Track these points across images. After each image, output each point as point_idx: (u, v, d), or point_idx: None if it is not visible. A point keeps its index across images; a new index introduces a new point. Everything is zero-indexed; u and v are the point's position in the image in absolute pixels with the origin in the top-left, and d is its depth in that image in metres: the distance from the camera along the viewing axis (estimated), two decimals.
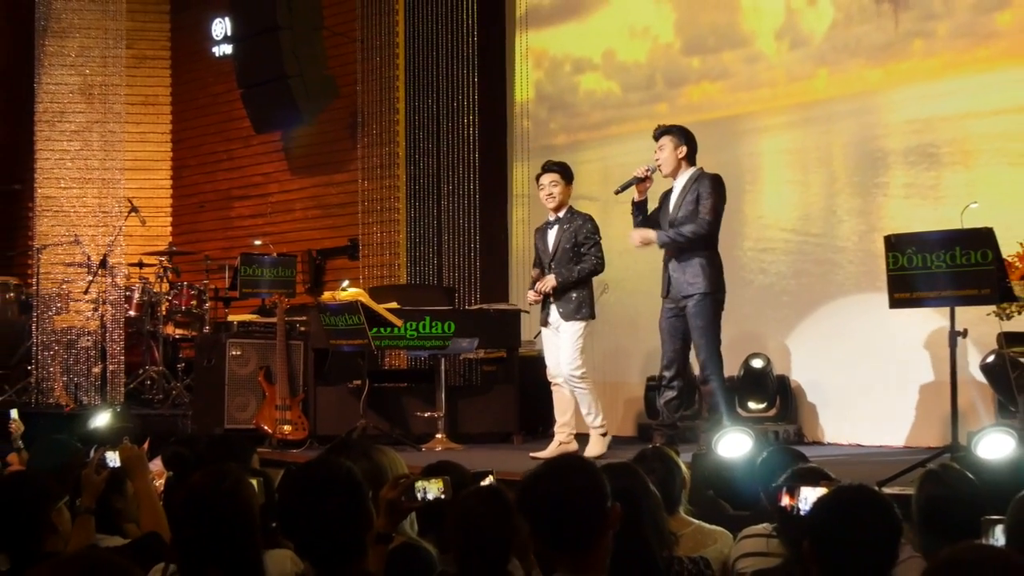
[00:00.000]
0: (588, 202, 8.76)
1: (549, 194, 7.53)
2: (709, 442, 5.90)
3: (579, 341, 7.35)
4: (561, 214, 7.55)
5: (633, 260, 8.60)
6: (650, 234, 7.12)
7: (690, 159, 7.20)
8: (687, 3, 9.73)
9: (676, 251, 7.10)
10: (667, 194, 7.28)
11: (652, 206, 7.34)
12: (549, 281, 7.43)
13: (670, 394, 7.20)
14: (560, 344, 7.43)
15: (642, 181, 7.22)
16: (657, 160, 7.20)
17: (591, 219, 7.56)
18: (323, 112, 11.60)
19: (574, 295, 7.41)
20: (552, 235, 7.55)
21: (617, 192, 7.38)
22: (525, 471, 3.15)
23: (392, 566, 3.44)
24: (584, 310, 7.41)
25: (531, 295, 7.63)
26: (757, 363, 8.44)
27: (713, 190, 7.07)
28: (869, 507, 2.87)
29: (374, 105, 11.02)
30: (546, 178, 7.55)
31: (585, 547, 2.87)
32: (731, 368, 8.33)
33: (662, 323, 7.23)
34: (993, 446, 5.25)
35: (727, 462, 5.64)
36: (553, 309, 7.48)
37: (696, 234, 7.03)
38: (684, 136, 7.21)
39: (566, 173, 7.57)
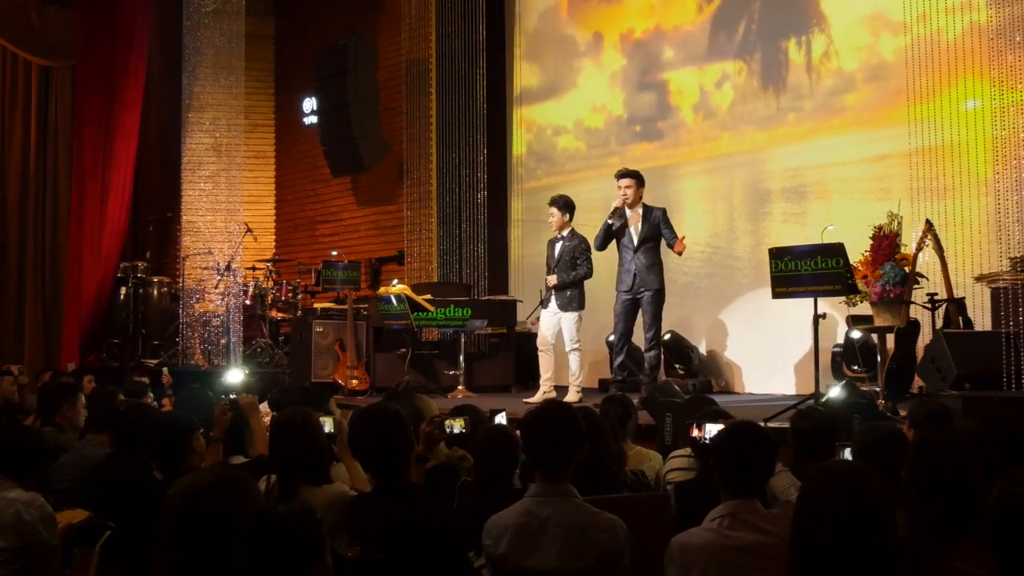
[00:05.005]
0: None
1: (549, 221, 7.45)
2: (650, 391, 5.99)
3: (575, 325, 7.29)
4: (565, 233, 7.38)
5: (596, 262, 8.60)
6: (682, 245, 6.94)
7: (642, 196, 7.17)
8: (632, 88, 9.73)
9: (642, 258, 7.00)
10: (625, 220, 7.12)
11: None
12: (551, 280, 7.34)
13: (620, 358, 7.16)
14: (563, 327, 7.32)
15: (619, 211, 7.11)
16: (625, 196, 7.05)
17: (585, 239, 7.34)
18: (379, 163, 11.58)
19: (568, 292, 7.30)
20: (557, 248, 7.40)
21: (611, 220, 7.08)
22: (524, 410, 3.16)
23: (429, 478, 3.46)
24: (574, 304, 7.29)
25: (550, 280, 7.36)
26: (667, 337, 8.40)
27: (667, 218, 7.08)
28: (753, 436, 2.87)
29: (415, 158, 10.98)
30: (549, 209, 7.42)
31: (559, 467, 2.89)
32: None
33: (617, 307, 7.10)
34: (835, 393, 5.43)
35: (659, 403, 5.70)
36: (553, 299, 7.39)
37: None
38: (640, 179, 7.15)
39: (563, 207, 7.36)
